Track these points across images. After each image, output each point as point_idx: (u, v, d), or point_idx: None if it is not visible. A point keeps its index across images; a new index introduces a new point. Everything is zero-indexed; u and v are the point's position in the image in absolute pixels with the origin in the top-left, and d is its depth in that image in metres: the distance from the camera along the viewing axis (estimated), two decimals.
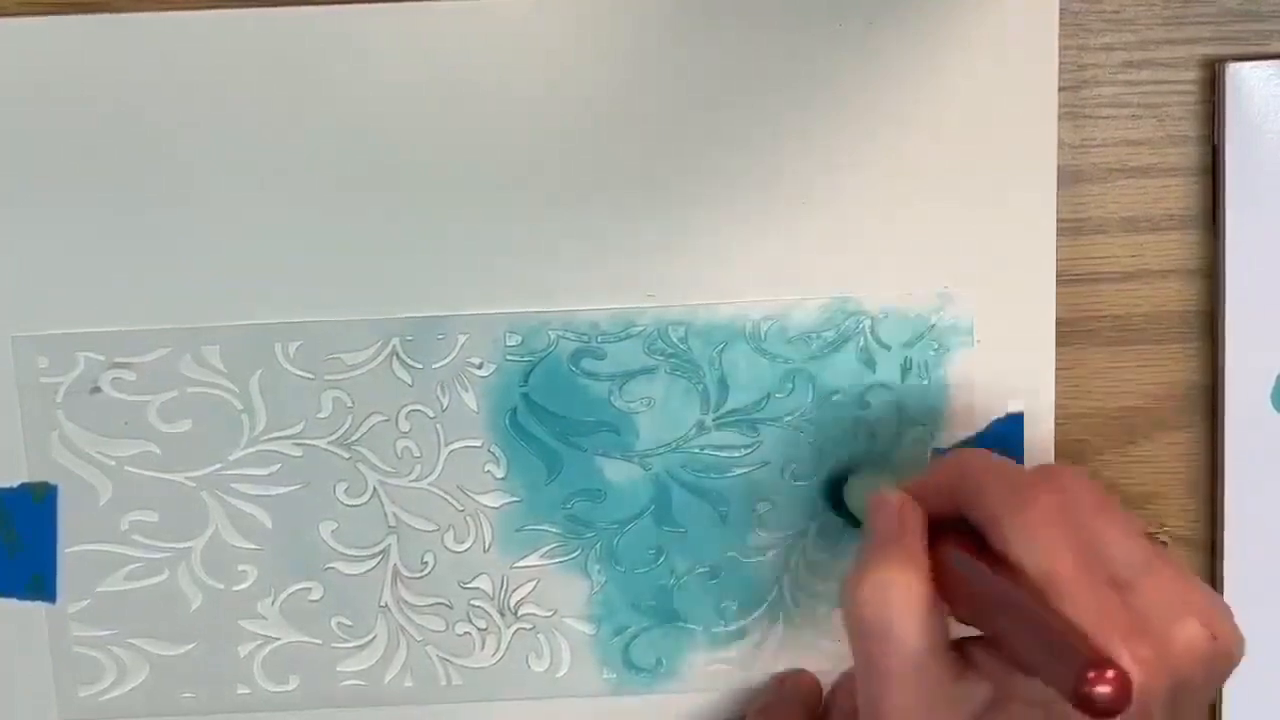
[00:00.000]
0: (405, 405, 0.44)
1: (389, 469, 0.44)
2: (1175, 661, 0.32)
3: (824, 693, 0.45)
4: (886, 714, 0.34)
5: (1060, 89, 0.43)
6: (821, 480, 0.44)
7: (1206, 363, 0.45)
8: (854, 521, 0.43)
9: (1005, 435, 0.44)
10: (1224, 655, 0.34)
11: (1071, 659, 0.30)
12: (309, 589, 0.45)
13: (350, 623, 0.45)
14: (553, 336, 0.44)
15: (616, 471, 0.44)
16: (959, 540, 0.35)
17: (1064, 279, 0.44)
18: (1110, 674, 0.29)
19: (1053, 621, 0.32)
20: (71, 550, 0.44)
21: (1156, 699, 0.32)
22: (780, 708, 0.44)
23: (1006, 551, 0.34)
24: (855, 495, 0.43)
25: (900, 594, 0.34)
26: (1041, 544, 0.33)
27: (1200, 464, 0.45)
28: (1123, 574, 0.33)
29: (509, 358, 0.44)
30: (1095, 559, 0.33)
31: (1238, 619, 0.34)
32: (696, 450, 0.44)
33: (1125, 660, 0.31)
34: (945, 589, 0.34)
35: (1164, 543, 0.35)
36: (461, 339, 0.43)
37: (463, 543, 0.44)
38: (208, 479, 0.44)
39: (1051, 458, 0.44)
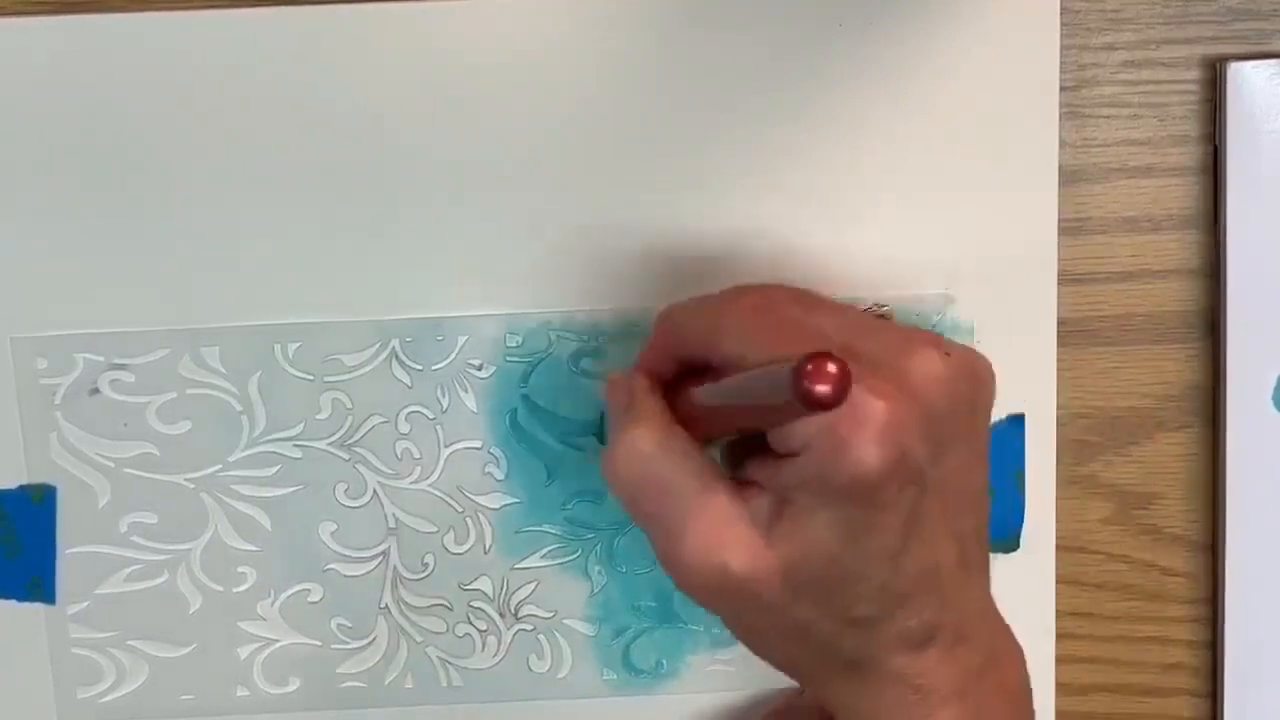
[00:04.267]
0: (405, 406, 0.44)
1: (389, 470, 0.44)
2: (916, 387, 0.32)
3: None
4: (686, 557, 0.33)
5: (1061, 89, 0.43)
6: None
7: (1207, 363, 0.45)
8: None
9: (1006, 436, 0.44)
10: (966, 371, 0.34)
11: (789, 370, 0.29)
12: (309, 590, 0.44)
13: (350, 624, 0.45)
14: (553, 337, 0.43)
15: None
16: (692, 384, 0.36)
17: (1064, 279, 0.44)
18: (825, 364, 0.28)
19: (774, 362, 0.31)
20: (71, 552, 0.44)
21: (909, 429, 0.32)
22: (795, 713, 0.44)
23: (730, 359, 0.34)
24: None
25: (652, 445, 0.34)
26: (755, 335, 0.34)
27: (1200, 464, 0.45)
28: (841, 339, 0.33)
29: (509, 358, 0.44)
30: (812, 335, 0.33)
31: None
32: None
33: (866, 395, 0.31)
34: (692, 425, 0.35)
35: (884, 315, 0.35)
36: (461, 340, 0.43)
37: (463, 544, 0.44)
38: (207, 480, 0.44)
39: (1052, 458, 0.44)
